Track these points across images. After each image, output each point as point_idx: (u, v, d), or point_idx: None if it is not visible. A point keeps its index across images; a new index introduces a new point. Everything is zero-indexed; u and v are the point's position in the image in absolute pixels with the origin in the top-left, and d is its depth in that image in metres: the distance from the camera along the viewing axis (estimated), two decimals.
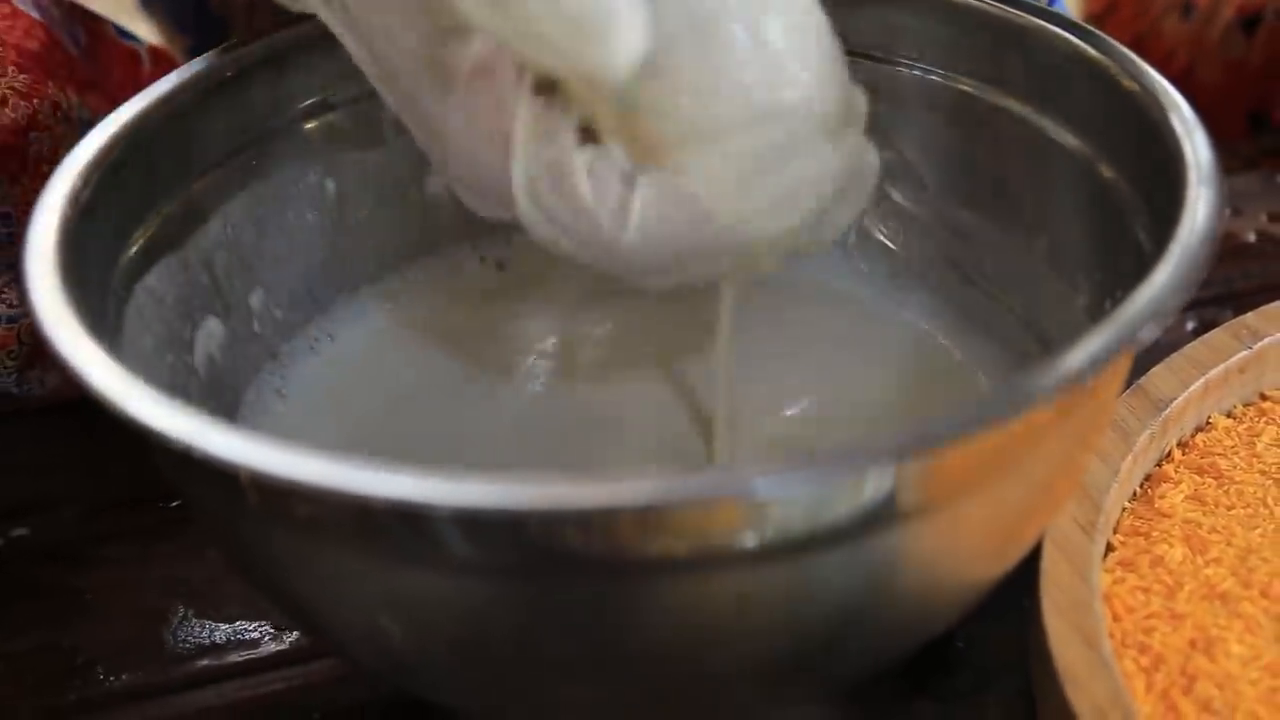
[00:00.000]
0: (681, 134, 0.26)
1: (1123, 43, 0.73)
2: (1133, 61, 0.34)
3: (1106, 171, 0.34)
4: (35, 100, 0.39)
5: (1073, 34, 0.35)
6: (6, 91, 0.38)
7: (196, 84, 0.35)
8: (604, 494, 0.23)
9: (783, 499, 0.24)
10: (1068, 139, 0.35)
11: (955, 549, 0.27)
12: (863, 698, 0.31)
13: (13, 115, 0.38)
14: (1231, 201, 0.51)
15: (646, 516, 0.23)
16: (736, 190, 0.27)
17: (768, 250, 0.28)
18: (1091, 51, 0.34)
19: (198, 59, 0.36)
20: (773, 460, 0.23)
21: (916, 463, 0.23)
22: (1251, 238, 0.50)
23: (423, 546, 0.25)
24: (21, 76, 0.39)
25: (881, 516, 0.24)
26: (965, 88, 0.37)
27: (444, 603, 0.26)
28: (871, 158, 0.29)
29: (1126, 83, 0.33)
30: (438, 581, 0.26)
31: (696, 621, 0.26)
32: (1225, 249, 0.50)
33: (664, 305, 0.41)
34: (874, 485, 0.24)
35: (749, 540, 0.24)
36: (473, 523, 0.24)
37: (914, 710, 0.31)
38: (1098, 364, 0.24)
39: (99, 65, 0.44)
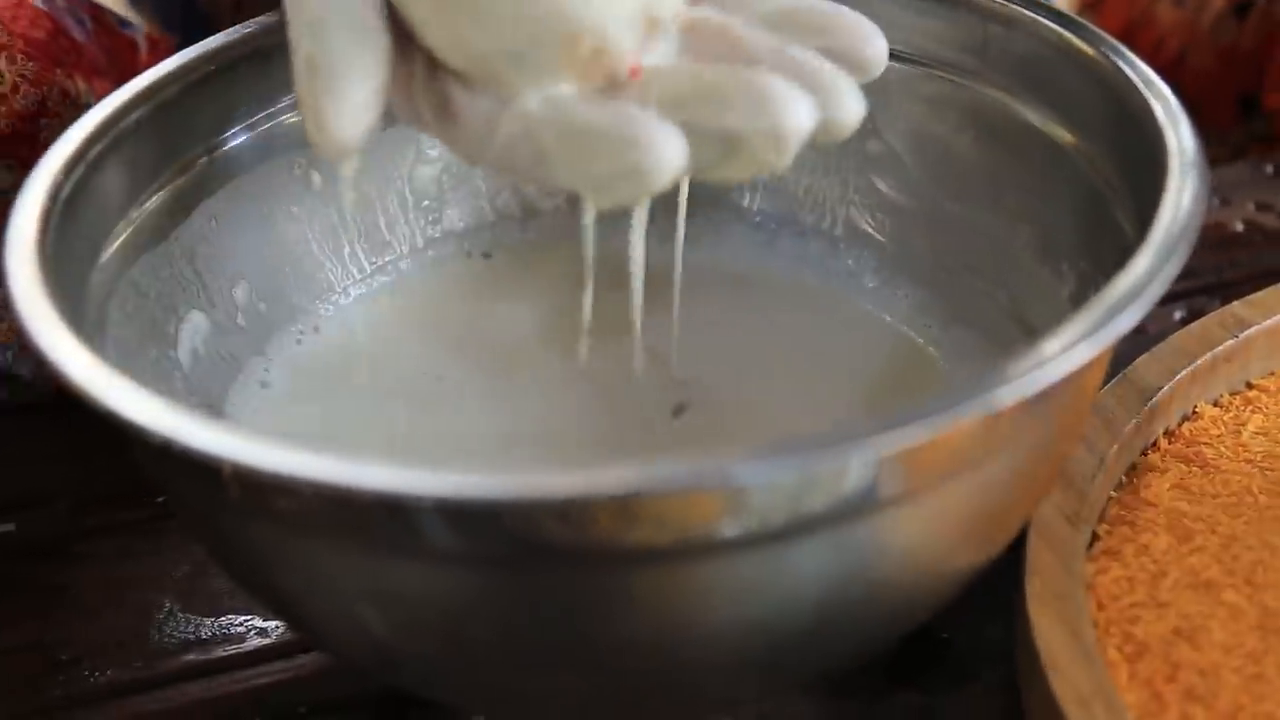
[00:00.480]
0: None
1: (1115, 29, 0.73)
2: (1118, 50, 0.33)
3: (1091, 160, 0.34)
4: (44, 87, 0.40)
5: (1057, 23, 0.35)
6: (17, 79, 0.39)
7: (178, 79, 0.35)
8: (583, 483, 0.23)
9: (763, 486, 0.24)
10: (1053, 128, 0.35)
11: (936, 536, 0.27)
12: (849, 689, 0.31)
13: (23, 102, 0.39)
14: (1219, 191, 0.51)
15: (626, 505, 0.23)
16: (563, 153, 0.27)
17: (607, 189, 0.28)
18: (1076, 41, 0.34)
19: (179, 54, 0.36)
20: (753, 447, 0.23)
21: (896, 449, 0.23)
22: (1239, 227, 0.50)
23: (403, 538, 0.25)
24: (30, 64, 0.39)
25: (862, 503, 0.24)
26: (951, 78, 0.37)
27: (426, 595, 0.26)
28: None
29: (1111, 72, 0.33)
30: (419, 573, 0.26)
31: (679, 610, 0.26)
32: (1213, 239, 0.50)
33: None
34: (854, 472, 0.24)
35: (730, 528, 0.24)
36: (452, 513, 0.24)
37: (899, 702, 0.31)
38: (1075, 353, 0.24)
39: (105, 52, 0.45)
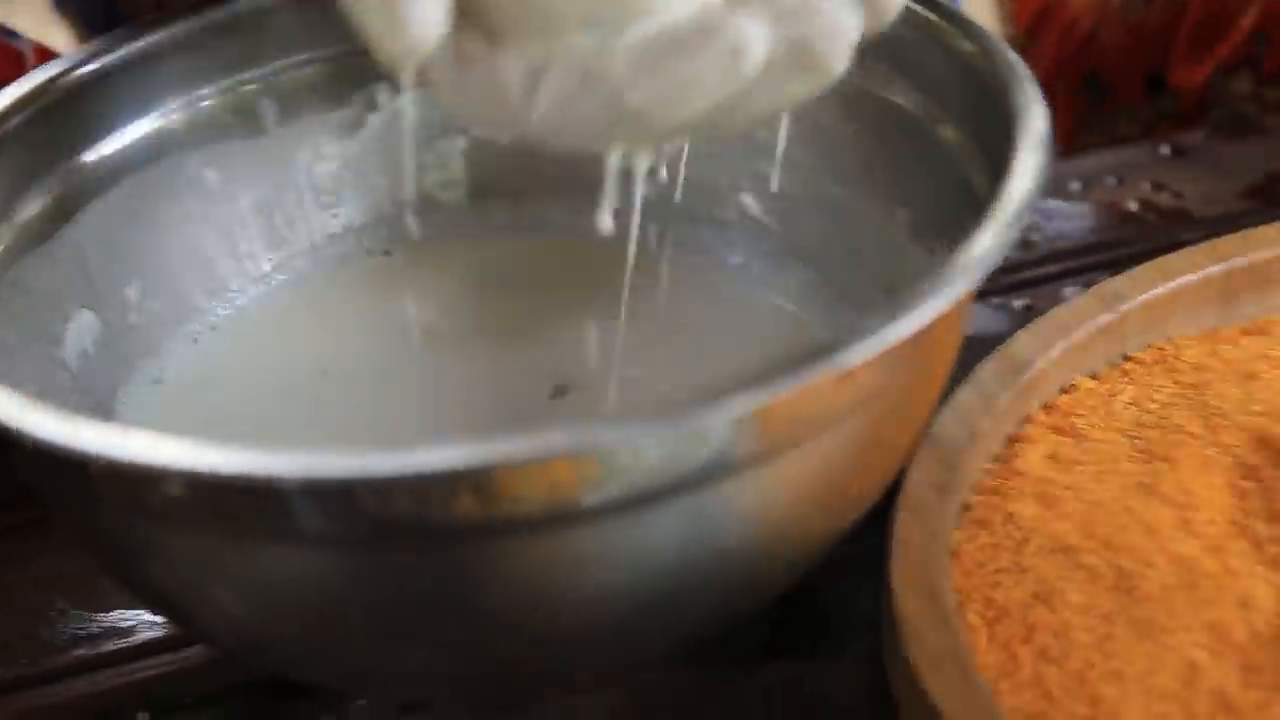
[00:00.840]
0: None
1: (1033, 11, 0.74)
2: (984, 35, 0.34)
3: (958, 142, 0.34)
4: None
5: (927, 9, 0.36)
6: None
7: (63, 80, 0.36)
8: (432, 459, 0.23)
9: (613, 451, 0.24)
10: (924, 113, 0.36)
11: (794, 500, 0.27)
12: (723, 661, 0.32)
13: None
14: (1116, 172, 0.52)
15: (473, 479, 0.24)
16: (638, 73, 0.27)
17: (675, 131, 0.28)
18: (946, 26, 0.35)
19: (64, 55, 0.36)
20: (603, 416, 0.24)
21: (746, 410, 0.24)
22: (1134, 206, 0.51)
23: (267, 523, 0.25)
24: None
25: (717, 467, 0.25)
26: None
27: (295, 579, 0.27)
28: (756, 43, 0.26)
29: (976, 56, 0.34)
30: (286, 558, 0.26)
31: (544, 581, 0.26)
32: (1109, 218, 0.51)
33: (543, 287, 0.42)
34: (708, 435, 0.25)
35: (586, 497, 0.25)
36: (308, 495, 0.24)
37: (772, 672, 0.32)
38: (905, 323, 0.25)
39: None
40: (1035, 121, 0.31)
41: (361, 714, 0.32)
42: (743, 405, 0.24)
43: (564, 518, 0.25)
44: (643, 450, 0.24)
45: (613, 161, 0.29)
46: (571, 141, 0.28)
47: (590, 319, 0.39)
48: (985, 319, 0.45)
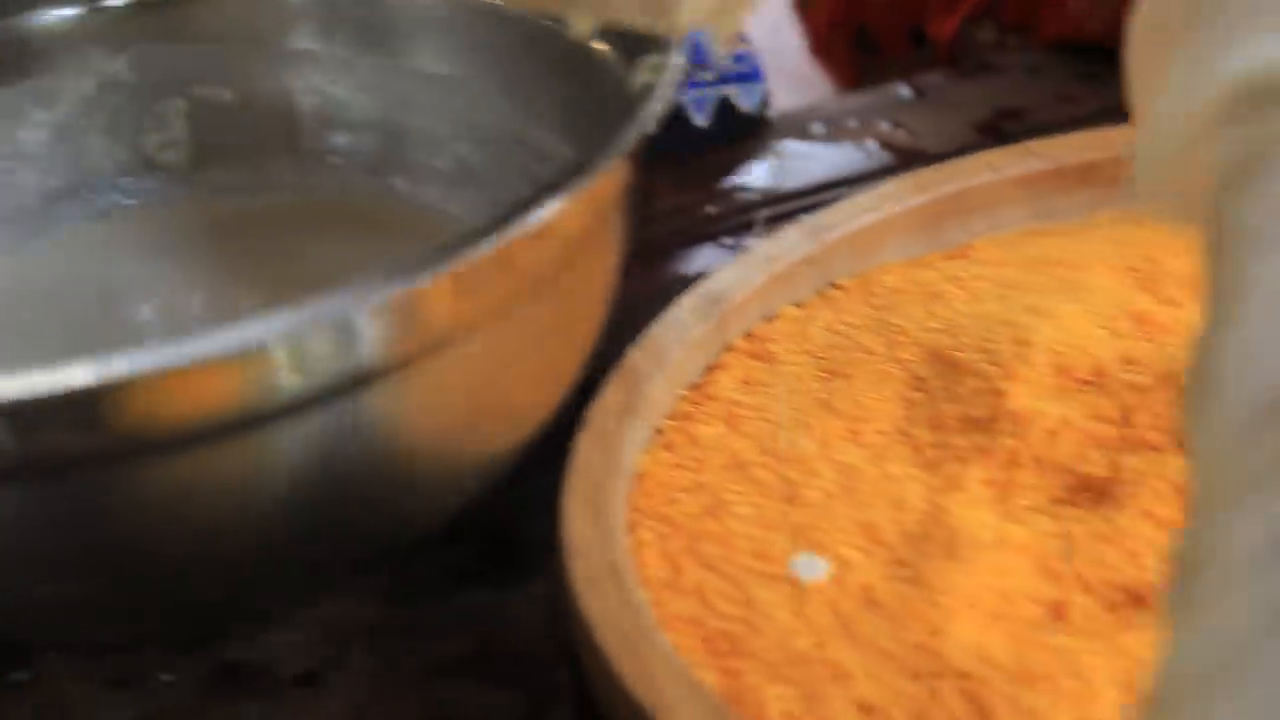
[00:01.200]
0: None
1: None
2: None
3: (624, 73, 0.35)
4: None
5: None
6: None
7: None
8: (58, 379, 0.23)
9: (250, 354, 0.24)
10: (601, 52, 0.37)
11: (446, 407, 0.28)
12: (412, 590, 0.33)
13: None
14: (859, 113, 0.54)
15: (103, 396, 0.24)
16: None
17: None
18: None
19: None
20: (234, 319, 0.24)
21: (379, 302, 0.25)
22: (873, 145, 0.52)
23: None
24: None
25: (363, 366, 0.26)
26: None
27: None
28: None
29: None
30: None
31: (187, 503, 0.26)
32: (848, 156, 0.52)
33: (264, 245, 0.42)
34: (334, 333, 0.25)
35: (227, 407, 0.25)
36: None
37: (460, 600, 0.33)
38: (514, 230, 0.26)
39: None
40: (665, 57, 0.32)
41: (56, 665, 0.32)
42: (373, 297, 0.25)
43: (206, 433, 0.25)
44: (280, 348, 0.24)
45: None
46: None
47: (313, 274, 0.39)
48: (719, 258, 0.46)
